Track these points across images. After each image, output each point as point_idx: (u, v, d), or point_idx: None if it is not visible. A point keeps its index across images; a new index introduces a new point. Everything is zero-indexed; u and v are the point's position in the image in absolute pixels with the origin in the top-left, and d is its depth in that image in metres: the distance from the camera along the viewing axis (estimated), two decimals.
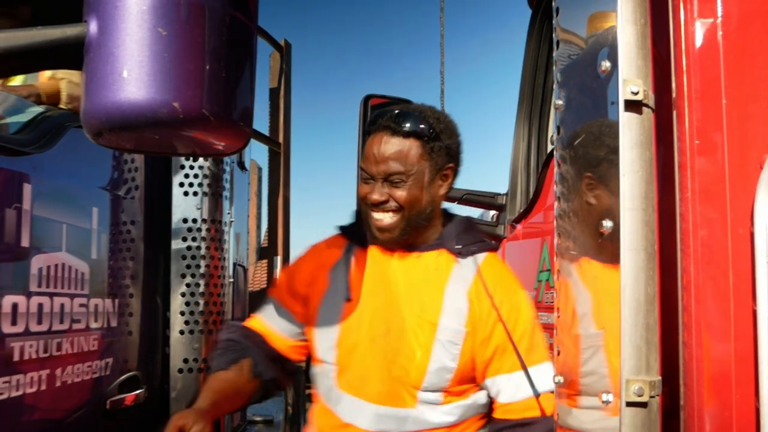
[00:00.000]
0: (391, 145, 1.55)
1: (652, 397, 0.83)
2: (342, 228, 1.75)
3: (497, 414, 1.61)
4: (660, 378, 0.85)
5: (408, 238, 1.61)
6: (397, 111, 1.59)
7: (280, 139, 5.34)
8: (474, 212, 3.08)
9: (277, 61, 5.69)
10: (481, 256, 1.65)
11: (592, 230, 0.91)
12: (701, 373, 0.87)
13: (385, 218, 1.56)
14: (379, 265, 1.64)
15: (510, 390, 1.57)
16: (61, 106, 1.69)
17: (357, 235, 1.67)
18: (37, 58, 0.82)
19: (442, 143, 1.58)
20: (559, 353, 0.97)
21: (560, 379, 0.96)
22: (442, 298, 1.59)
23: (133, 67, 0.78)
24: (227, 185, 2.36)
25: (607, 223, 0.87)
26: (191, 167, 2.21)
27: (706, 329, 0.87)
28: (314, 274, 1.68)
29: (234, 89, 0.86)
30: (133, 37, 0.77)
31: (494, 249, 1.72)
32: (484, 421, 1.65)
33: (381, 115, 1.60)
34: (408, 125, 1.55)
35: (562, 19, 1.09)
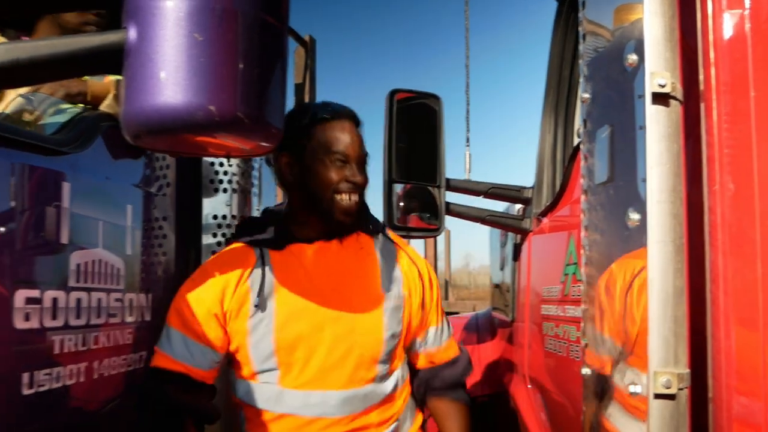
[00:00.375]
0: (357, 134, 1.69)
1: (680, 389, 0.84)
2: (241, 237, 1.75)
3: (423, 364, 1.86)
4: (688, 370, 0.86)
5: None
6: (337, 104, 1.74)
7: None
8: (499, 206, 3.08)
9: (302, 56, 5.72)
10: (387, 232, 1.85)
11: (619, 223, 0.92)
12: (730, 365, 0.88)
13: (353, 202, 1.66)
14: (301, 259, 1.69)
15: (436, 338, 1.86)
16: (101, 106, 1.74)
17: (267, 238, 1.71)
18: (80, 63, 0.85)
19: None
20: (586, 345, 0.98)
21: (588, 371, 0.97)
22: (378, 271, 1.75)
23: (171, 71, 0.81)
24: (256, 182, 2.39)
25: (634, 216, 0.88)
26: (221, 164, 2.25)
27: (735, 322, 0.88)
28: (227, 290, 1.65)
29: (266, 91, 0.88)
30: (170, 42, 0.81)
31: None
32: (409, 384, 1.85)
33: (329, 106, 1.71)
34: (357, 118, 1.73)
35: (588, 12, 1.10)
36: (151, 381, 1.68)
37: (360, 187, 1.67)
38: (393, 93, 2.46)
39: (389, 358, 1.73)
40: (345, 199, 1.64)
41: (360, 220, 1.74)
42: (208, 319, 1.64)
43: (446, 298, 16.26)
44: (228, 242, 1.84)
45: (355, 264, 1.73)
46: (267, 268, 1.66)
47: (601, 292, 0.96)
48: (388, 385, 1.74)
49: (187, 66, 0.81)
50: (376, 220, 1.85)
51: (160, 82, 0.81)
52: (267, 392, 1.67)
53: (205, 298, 1.64)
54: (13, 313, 1.27)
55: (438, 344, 1.86)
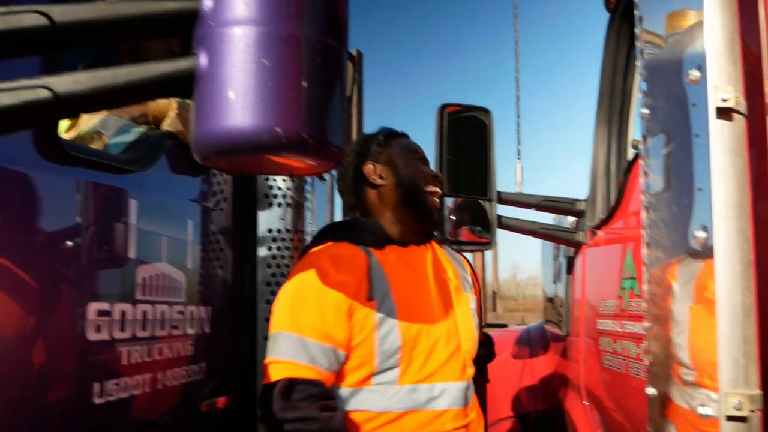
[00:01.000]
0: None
1: (752, 411, 0.82)
2: (344, 235, 1.77)
3: None
4: (760, 392, 0.84)
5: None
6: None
7: None
8: (549, 218, 3.05)
9: (349, 70, 5.80)
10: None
11: (683, 240, 0.91)
12: None
13: (438, 194, 1.85)
14: (403, 259, 1.79)
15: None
16: (163, 126, 1.81)
17: (367, 239, 1.76)
18: (154, 89, 0.89)
19: None
20: (651, 365, 0.97)
21: (653, 391, 0.96)
22: (458, 276, 1.90)
23: (239, 95, 0.84)
24: (309, 196, 2.44)
25: (700, 234, 0.87)
26: (275, 179, 2.30)
27: None
28: (351, 285, 1.63)
29: (328, 112, 0.91)
30: (239, 68, 0.84)
31: None
32: None
33: (391, 129, 1.94)
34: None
35: (646, 29, 1.09)
36: (270, 398, 1.55)
37: (441, 183, 1.88)
38: (443, 107, 2.48)
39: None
40: (431, 191, 1.82)
41: (437, 228, 1.95)
42: (336, 315, 1.59)
43: (494, 309, 16.07)
44: (307, 249, 1.81)
45: (442, 266, 1.88)
46: (377, 264, 1.71)
47: (666, 310, 0.95)
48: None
49: (254, 90, 0.84)
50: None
51: (229, 105, 0.84)
52: (386, 392, 1.63)
53: (330, 293, 1.61)
54: (86, 325, 1.33)
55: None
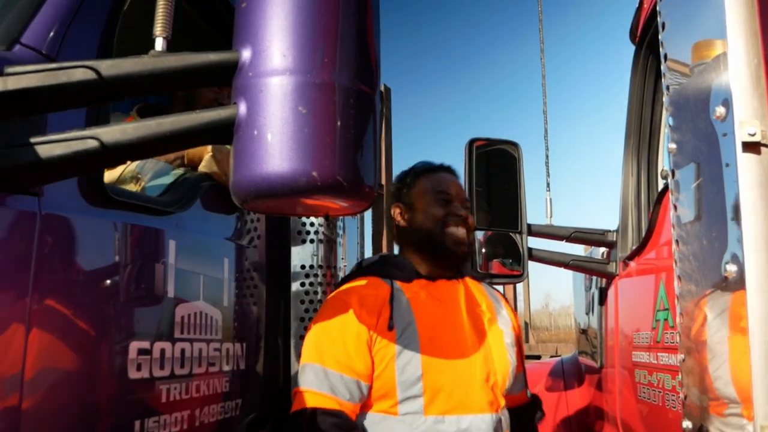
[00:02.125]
0: (456, 180, 1.94)
1: None
2: (371, 270, 1.87)
3: (509, 403, 1.89)
4: None
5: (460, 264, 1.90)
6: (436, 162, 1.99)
7: (383, 181, 5.50)
8: (579, 249, 3.04)
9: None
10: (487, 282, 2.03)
11: (715, 274, 0.91)
12: None
13: (462, 232, 1.82)
14: (430, 291, 1.82)
15: (524, 381, 2.04)
16: (200, 167, 1.87)
17: (394, 273, 1.84)
18: (196, 136, 0.94)
19: None
20: (686, 397, 0.96)
21: (689, 424, 0.95)
22: (493, 310, 1.89)
23: (276, 142, 0.89)
24: (341, 232, 2.47)
25: (731, 267, 0.88)
26: (308, 216, 2.34)
27: None
28: (372, 315, 1.71)
29: (362, 154, 0.95)
30: (276, 116, 0.88)
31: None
32: None
33: (427, 162, 1.98)
34: (453, 168, 1.98)
35: (672, 64, 1.11)
36: (297, 427, 1.67)
37: (465, 221, 1.85)
38: (472, 142, 2.51)
39: (510, 389, 1.84)
40: (454, 230, 1.82)
41: (469, 263, 2.00)
42: (357, 346, 1.67)
43: (527, 340, 15.82)
44: (340, 284, 1.92)
45: (475, 300, 1.88)
46: (403, 297, 1.77)
47: (699, 342, 0.95)
48: (507, 416, 1.83)
49: (291, 136, 0.88)
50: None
51: (268, 151, 0.89)
52: (413, 422, 1.66)
53: (351, 325, 1.69)
54: (127, 363, 1.36)
55: (521, 389, 2.02)
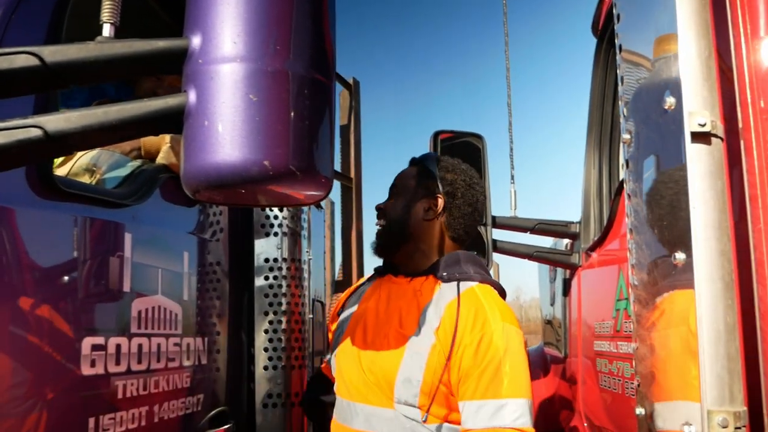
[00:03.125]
0: (402, 171, 1.86)
1: (737, 428, 0.82)
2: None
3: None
4: (745, 409, 0.85)
5: (397, 258, 1.80)
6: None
7: (352, 174, 5.48)
8: (546, 241, 3.07)
9: (347, 98, 5.87)
10: (468, 284, 1.70)
11: (665, 262, 0.92)
12: None
13: (378, 227, 1.81)
14: (379, 288, 1.85)
15: (471, 417, 1.55)
16: (158, 159, 1.83)
17: (380, 268, 1.89)
18: (145, 126, 0.92)
19: (439, 173, 1.80)
20: (639, 384, 0.98)
21: (642, 410, 0.96)
22: (418, 314, 1.68)
23: (227, 130, 0.87)
24: (305, 224, 2.45)
25: (681, 255, 0.89)
26: (271, 209, 2.32)
27: None
28: (341, 305, 1.96)
29: (317, 144, 0.93)
30: (227, 104, 0.87)
31: (491, 283, 1.73)
32: None
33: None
34: (419, 158, 1.87)
35: (626, 55, 1.12)
36: None
37: (380, 211, 1.83)
38: (437, 134, 2.51)
39: (412, 404, 1.61)
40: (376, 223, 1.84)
41: (434, 267, 1.73)
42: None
43: None
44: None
45: (404, 302, 1.75)
46: (366, 289, 1.92)
47: (652, 330, 0.96)
48: (421, 427, 1.60)
49: (243, 125, 0.86)
50: (463, 271, 1.73)
51: (218, 140, 0.87)
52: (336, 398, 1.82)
53: (334, 311, 2.08)
54: (80, 359, 1.33)
55: (473, 426, 1.55)
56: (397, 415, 1.62)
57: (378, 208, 1.85)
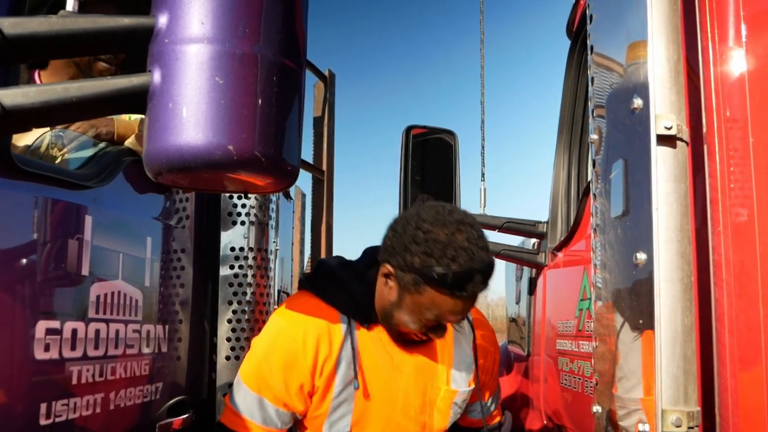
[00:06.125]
0: (464, 310, 1.54)
1: (690, 428, 0.84)
2: (329, 295, 1.69)
3: (466, 424, 1.91)
4: (699, 409, 0.86)
5: None
6: (478, 276, 1.48)
7: (324, 167, 5.46)
8: (514, 240, 3.09)
9: (321, 90, 5.83)
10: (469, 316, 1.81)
11: (627, 262, 0.93)
12: (736, 404, 0.88)
13: (419, 338, 1.64)
14: (386, 343, 1.70)
15: (485, 410, 1.91)
16: (126, 143, 1.79)
17: (352, 310, 1.67)
18: (106, 104, 0.89)
19: None
20: (597, 383, 0.99)
21: (598, 408, 0.97)
22: (451, 362, 1.74)
23: (192, 113, 0.85)
24: (273, 214, 2.43)
25: (642, 256, 0.89)
26: (239, 197, 2.29)
27: (739, 360, 0.88)
28: (318, 365, 1.64)
29: (283, 131, 0.92)
30: (192, 85, 0.85)
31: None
32: None
33: (466, 278, 1.45)
34: (477, 296, 1.55)
35: (597, 57, 1.13)
36: None
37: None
38: (409, 129, 2.51)
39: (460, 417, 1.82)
40: (410, 334, 1.63)
41: None
42: (298, 391, 1.65)
43: None
44: (303, 286, 1.81)
45: (433, 352, 1.73)
46: (354, 345, 1.64)
47: (611, 329, 0.97)
48: None
49: (207, 107, 0.84)
50: None
51: (182, 122, 0.85)
52: None
53: (297, 370, 1.63)
54: (33, 343, 1.30)
55: (486, 414, 1.93)
56: None
57: (434, 338, 1.65)
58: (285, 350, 1.64)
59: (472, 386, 1.76)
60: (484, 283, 1.47)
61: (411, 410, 1.71)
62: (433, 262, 1.42)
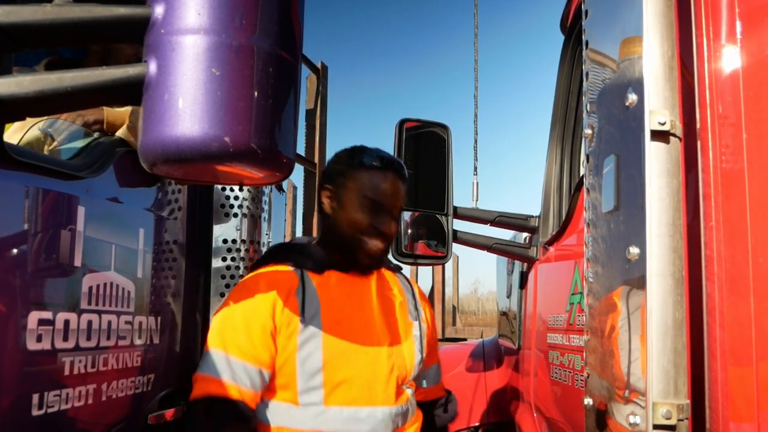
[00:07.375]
0: (398, 186, 1.78)
1: (680, 420, 0.85)
2: (281, 257, 1.82)
3: (421, 397, 1.98)
4: (688, 402, 0.87)
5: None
6: (387, 154, 1.82)
7: (316, 159, 5.44)
8: (506, 234, 3.10)
9: (314, 83, 5.81)
10: (402, 272, 2.03)
11: (620, 256, 0.94)
12: (726, 397, 0.89)
13: (378, 247, 1.77)
14: (341, 285, 1.80)
15: (437, 376, 2.08)
16: (117, 133, 1.78)
17: (304, 262, 1.79)
18: (101, 95, 0.89)
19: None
20: (588, 376, 0.99)
21: (590, 401, 0.98)
22: (405, 302, 1.91)
23: (188, 104, 0.85)
24: (266, 207, 2.43)
25: (635, 250, 0.90)
26: (231, 189, 2.29)
27: (730, 354, 0.89)
28: (277, 305, 1.69)
29: (279, 123, 0.92)
30: (188, 76, 0.84)
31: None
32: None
33: (378, 154, 1.78)
34: (405, 174, 1.83)
35: (591, 52, 1.13)
36: (193, 413, 1.68)
37: (386, 236, 1.77)
38: (402, 122, 2.50)
39: (415, 382, 1.88)
40: (370, 243, 1.75)
41: (384, 261, 1.91)
42: (261, 336, 1.66)
43: (454, 324, 16.14)
44: (254, 267, 1.89)
45: (387, 292, 1.88)
46: (311, 288, 1.74)
47: (603, 322, 0.98)
48: (413, 407, 1.86)
49: (203, 99, 0.84)
50: (390, 261, 2.01)
51: (178, 113, 0.85)
52: (311, 413, 1.68)
53: (256, 314, 1.68)
54: (25, 334, 1.29)
55: (435, 382, 2.08)
56: (393, 410, 1.75)
57: (388, 233, 1.78)
58: (243, 305, 1.70)
59: (425, 325, 1.93)
60: (391, 159, 1.79)
61: (380, 343, 1.76)
62: (346, 157, 1.80)
